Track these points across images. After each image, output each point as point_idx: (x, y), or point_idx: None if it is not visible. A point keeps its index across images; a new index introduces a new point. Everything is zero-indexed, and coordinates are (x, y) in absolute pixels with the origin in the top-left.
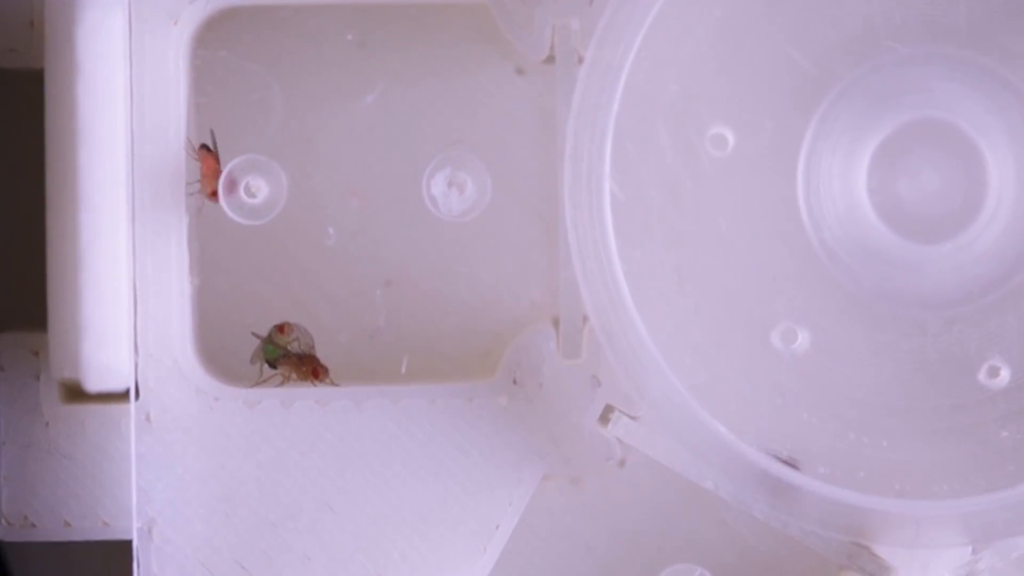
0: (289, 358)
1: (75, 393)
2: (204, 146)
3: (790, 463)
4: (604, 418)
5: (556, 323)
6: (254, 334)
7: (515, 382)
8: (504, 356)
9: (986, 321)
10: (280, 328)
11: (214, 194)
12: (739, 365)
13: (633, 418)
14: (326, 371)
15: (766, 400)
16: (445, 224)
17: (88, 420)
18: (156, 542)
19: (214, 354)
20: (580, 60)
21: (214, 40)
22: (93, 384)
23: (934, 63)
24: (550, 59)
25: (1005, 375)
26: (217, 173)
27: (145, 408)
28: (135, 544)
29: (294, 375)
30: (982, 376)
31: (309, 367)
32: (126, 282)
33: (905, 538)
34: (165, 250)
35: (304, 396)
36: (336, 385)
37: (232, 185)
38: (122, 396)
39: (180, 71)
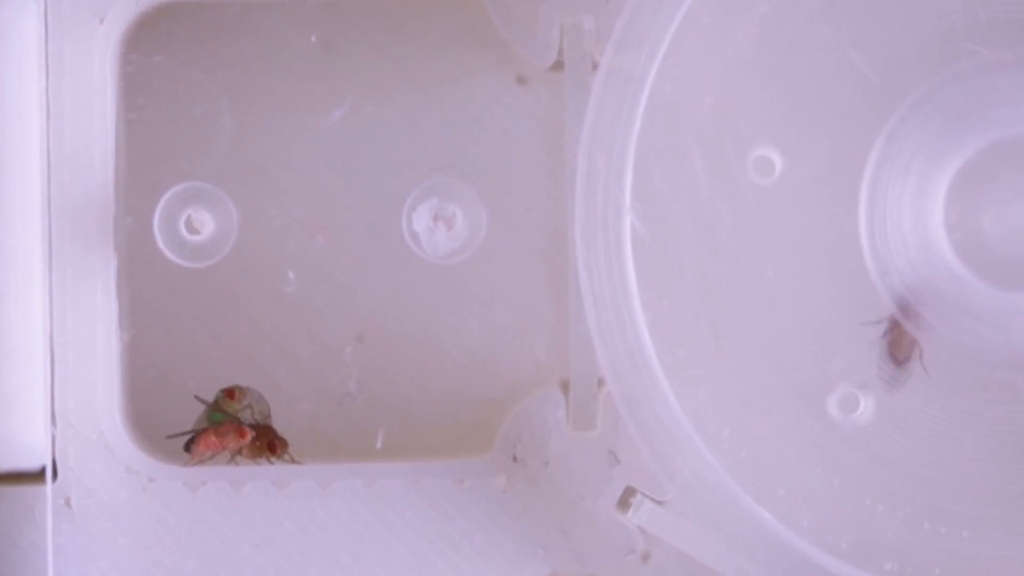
0: None
1: None
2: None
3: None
4: (624, 503)
5: (565, 387)
6: (198, 399)
7: (515, 459)
8: (502, 427)
9: None
10: (229, 393)
11: (243, 433)
12: (788, 439)
13: (659, 503)
14: (285, 445)
15: (821, 481)
16: (430, 267)
17: None
18: None
19: (148, 425)
20: (594, 67)
21: (148, 42)
22: (1, 462)
23: None
24: (558, 65)
25: None
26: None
27: (64, 491)
28: None
29: (245, 450)
30: None
31: (264, 440)
32: (41, 337)
33: None
34: (89, 298)
35: (258, 476)
36: (297, 463)
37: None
38: (36, 476)
39: (107, 80)
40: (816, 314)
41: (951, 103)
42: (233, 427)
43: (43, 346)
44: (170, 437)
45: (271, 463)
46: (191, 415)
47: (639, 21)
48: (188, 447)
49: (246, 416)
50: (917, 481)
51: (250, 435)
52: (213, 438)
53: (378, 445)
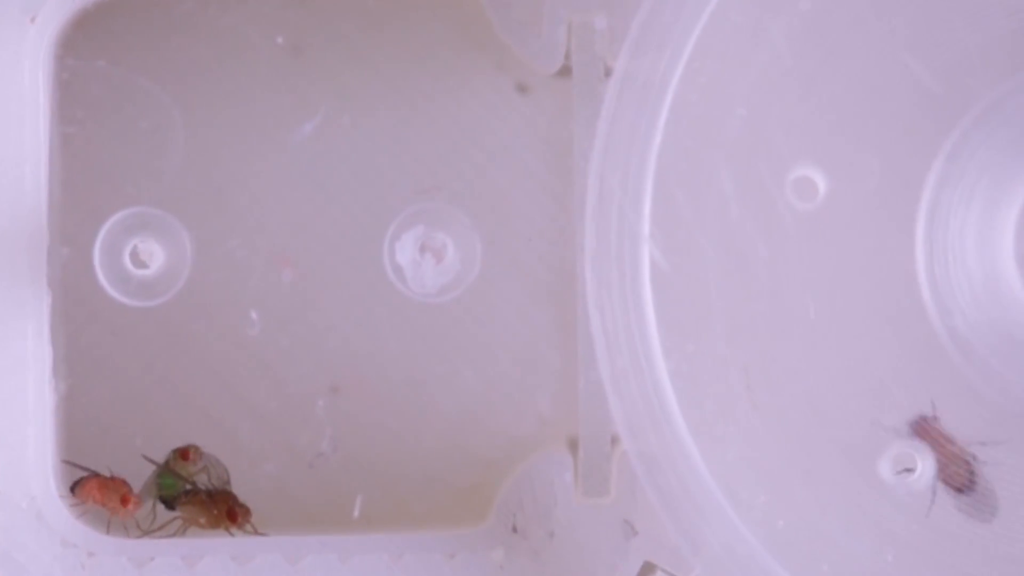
0: (195, 496)
1: None
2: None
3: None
4: None
5: (573, 446)
6: (146, 458)
7: (515, 530)
8: (500, 493)
9: None
10: (183, 453)
11: (125, 501)
12: (833, 506)
13: None
14: (247, 514)
15: (872, 556)
16: (416, 306)
17: None
18: None
19: None
20: (607, 72)
21: (88, 44)
22: None
23: None
24: (565, 71)
25: None
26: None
27: None
28: None
29: (202, 519)
30: None
31: (223, 508)
32: None
33: None
34: (17, 343)
35: (216, 550)
36: (261, 534)
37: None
38: None
39: (40, 88)
40: (866, 361)
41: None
42: (122, 487)
43: None
44: (66, 462)
45: (231, 534)
46: (137, 479)
47: (659, 19)
48: (74, 488)
49: (202, 480)
50: (986, 556)
51: (132, 505)
52: (95, 489)
53: (356, 514)
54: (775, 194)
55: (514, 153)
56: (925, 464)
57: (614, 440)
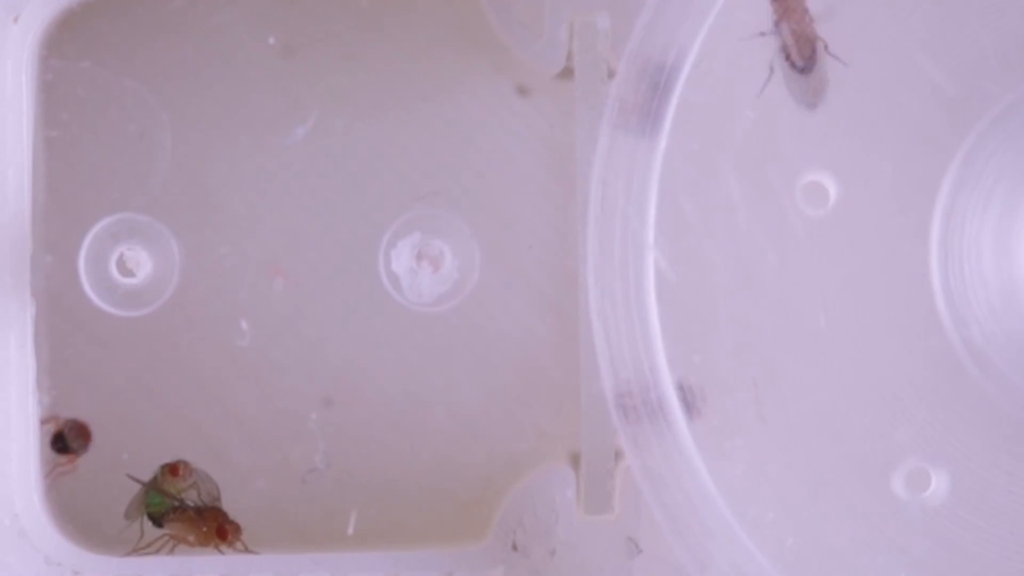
0: (183, 513)
1: None
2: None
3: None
4: None
5: (575, 461)
6: (131, 477)
7: (515, 548)
8: (499, 510)
9: None
10: (171, 469)
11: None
12: (845, 523)
13: None
14: (237, 531)
15: (885, 574)
16: (412, 315)
17: None
18: None
19: (72, 506)
20: (611, 74)
21: (73, 45)
22: None
23: None
24: (567, 73)
25: None
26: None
27: None
28: None
29: (191, 537)
30: None
31: (212, 525)
32: None
33: None
34: (1, 353)
35: (205, 569)
36: (252, 552)
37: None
38: None
39: (23, 90)
40: (878, 373)
41: None
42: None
43: None
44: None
45: (221, 552)
46: (124, 495)
47: (664, 19)
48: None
49: (191, 497)
50: (1000, 575)
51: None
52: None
53: (350, 531)
54: (784, 200)
55: (514, 157)
56: (939, 480)
57: (617, 455)
